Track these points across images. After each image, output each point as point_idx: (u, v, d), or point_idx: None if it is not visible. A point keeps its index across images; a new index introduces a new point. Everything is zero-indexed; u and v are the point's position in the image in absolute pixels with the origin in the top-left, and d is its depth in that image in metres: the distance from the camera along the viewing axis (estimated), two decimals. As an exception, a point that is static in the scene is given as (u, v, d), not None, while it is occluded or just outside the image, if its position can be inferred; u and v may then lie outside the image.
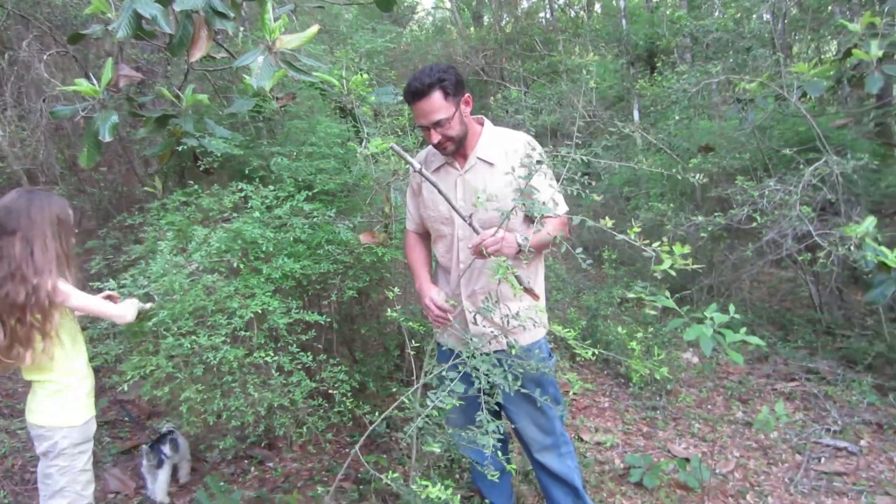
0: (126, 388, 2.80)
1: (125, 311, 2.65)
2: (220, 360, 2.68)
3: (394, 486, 2.10)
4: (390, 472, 2.21)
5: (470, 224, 2.34)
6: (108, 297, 2.81)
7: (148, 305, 2.85)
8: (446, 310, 2.52)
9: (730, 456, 3.72)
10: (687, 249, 1.92)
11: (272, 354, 2.78)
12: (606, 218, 2.04)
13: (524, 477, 3.44)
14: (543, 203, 2.41)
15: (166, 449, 3.47)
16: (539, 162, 2.26)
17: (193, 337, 2.71)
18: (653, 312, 2.66)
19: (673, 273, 1.95)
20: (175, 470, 3.62)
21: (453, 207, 2.35)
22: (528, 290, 2.42)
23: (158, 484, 3.45)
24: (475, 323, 2.54)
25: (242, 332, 2.80)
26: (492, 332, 2.50)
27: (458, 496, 1.95)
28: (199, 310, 2.84)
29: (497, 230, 2.26)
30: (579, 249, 2.21)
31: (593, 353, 2.26)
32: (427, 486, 1.92)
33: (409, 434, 2.29)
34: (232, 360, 2.69)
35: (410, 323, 2.79)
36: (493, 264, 2.23)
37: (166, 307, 2.81)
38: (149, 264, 2.98)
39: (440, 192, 2.33)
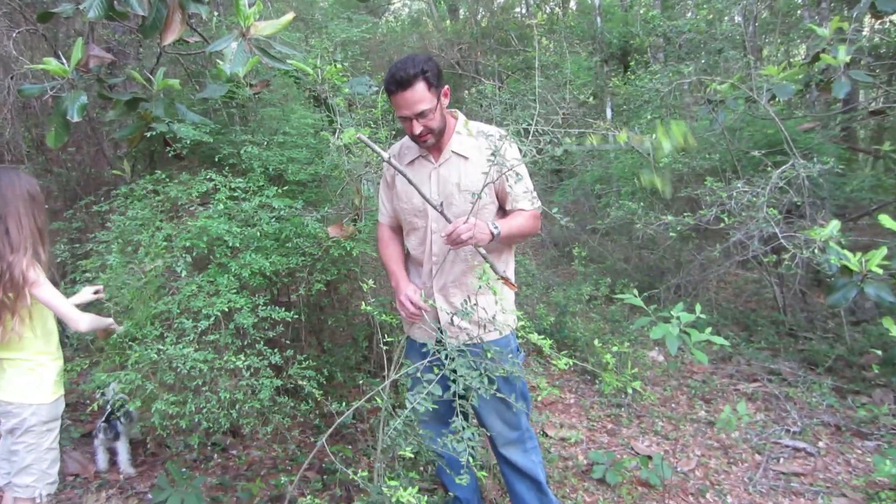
0: (97, 407, 2.79)
1: (81, 319, 2.60)
2: (192, 366, 2.65)
3: (361, 482, 2.10)
4: (360, 470, 2.22)
5: (441, 213, 2.34)
6: (96, 292, 2.83)
7: (120, 328, 2.82)
8: (421, 308, 2.52)
9: (691, 454, 3.78)
10: (684, 128, 1.87)
11: (242, 357, 2.74)
12: (591, 135, 2.02)
13: (488, 471, 3.45)
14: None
15: (121, 421, 3.54)
16: (503, 136, 2.27)
17: (159, 345, 2.67)
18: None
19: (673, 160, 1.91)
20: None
21: (423, 197, 2.35)
22: (504, 279, 2.44)
23: (122, 457, 3.55)
24: (451, 323, 2.55)
25: (211, 336, 2.76)
26: (463, 327, 2.51)
27: (425, 498, 1.95)
28: (164, 313, 2.80)
29: (469, 216, 2.27)
30: (555, 209, 2.22)
31: (566, 364, 2.27)
32: (397, 486, 1.92)
33: (384, 439, 2.28)
34: (201, 362, 2.66)
35: (383, 316, 2.78)
36: (477, 271, 2.24)
37: (129, 319, 2.79)
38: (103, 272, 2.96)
39: (409, 181, 2.33)
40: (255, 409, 2.89)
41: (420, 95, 2.39)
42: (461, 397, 2.18)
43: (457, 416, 2.12)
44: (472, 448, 2.10)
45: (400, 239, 2.82)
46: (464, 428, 2.10)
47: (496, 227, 2.40)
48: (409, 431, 2.31)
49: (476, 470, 2.35)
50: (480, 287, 2.45)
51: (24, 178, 2.56)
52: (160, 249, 2.88)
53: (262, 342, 2.84)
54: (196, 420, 2.74)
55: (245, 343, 2.85)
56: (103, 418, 3.54)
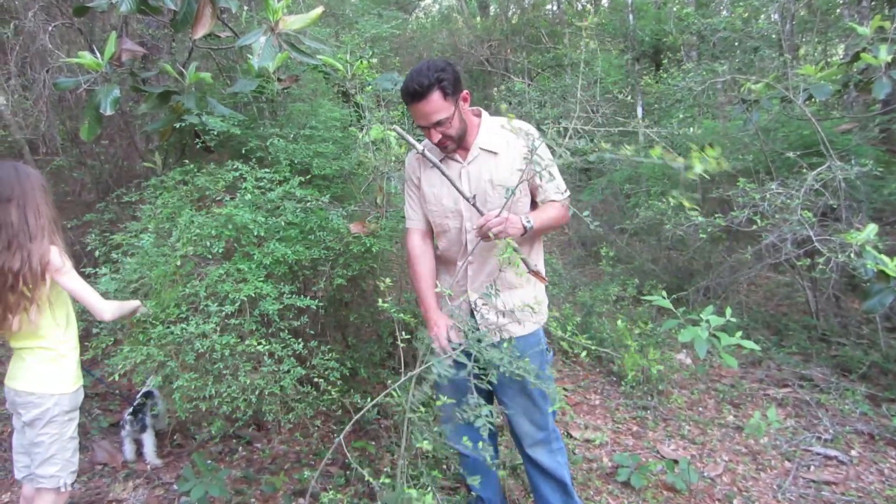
0: (117, 378, 2.80)
1: (106, 308, 2.62)
2: (211, 347, 2.66)
3: (377, 486, 2.09)
4: (383, 467, 2.21)
5: (474, 205, 2.33)
6: None
7: (145, 309, 2.83)
8: (445, 347, 2.48)
9: (719, 459, 3.71)
10: (718, 152, 1.85)
11: (264, 342, 2.76)
12: (626, 145, 1.99)
13: (511, 471, 3.43)
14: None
15: (148, 414, 3.59)
16: (539, 139, 2.26)
17: (183, 325, 2.69)
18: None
19: (706, 176, 1.89)
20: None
21: (458, 190, 2.35)
22: (535, 273, 2.42)
23: (148, 448, 3.59)
24: (477, 310, 2.54)
25: (233, 321, 2.78)
26: (494, 323, 2.51)
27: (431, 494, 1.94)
28: (191, 296, 2.82)
29: (501, 211, 2.26)
30: (586, 213, 2.20)
31: (587, 354, 2.25)
32: (413, 495, 1.91)
33: (398, 419, 2.28)
34: (222, 347, 2.67)
35: (402, 315, 2.75)
36: (500, 246, 2.24)
37: (152, 299, 2.81)
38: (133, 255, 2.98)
39: (443, 173, 2.35)
40: (277, 398, 2.90)
41: (435, 106, 2.38)
42: (478, 376, 2.17)
43: (472, 393, 2.11)
44: (491, 424, 2.08)
45: (430, 248, 2.73)
46: (481, 405, 2.09)
47: (529, 221, 2.38)
48: (427, 426, 2.30)
49: (497, 469, 2.34)
50: (506, 273, 2.43)
51: (32, 170, 2.60)
52: (193, 235, 2.90)
53: (286, 331, 2.85)
54: (216, 404, 2.75)
55: (269, 331, 2.86)
56: (130, 410, 3.58)
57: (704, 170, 1.86)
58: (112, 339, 3.04)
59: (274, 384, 2.79)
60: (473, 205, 2.33)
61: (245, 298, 2.77)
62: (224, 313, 2.73)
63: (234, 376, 2.77)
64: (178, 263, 2.90)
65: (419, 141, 2.53)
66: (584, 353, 2.25)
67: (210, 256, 2.91)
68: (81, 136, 3.51)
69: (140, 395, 3.67)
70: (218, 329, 2.72)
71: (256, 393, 2.79)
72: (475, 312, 2.57)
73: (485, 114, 2.62)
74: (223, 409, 2.77)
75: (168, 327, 2.71)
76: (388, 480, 2.16)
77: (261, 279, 2.86)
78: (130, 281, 2.93)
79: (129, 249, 3.09)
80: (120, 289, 2.92)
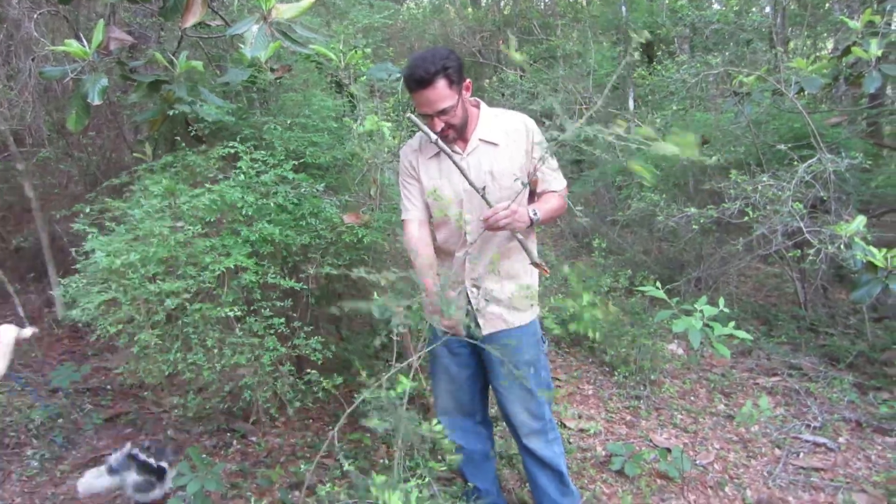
0: (79, 314, 2.65)
1: None
2: (180, 309, 2.58)
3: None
4: (378, 459, 2.21)
5: (483, 196, 2.33)
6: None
7: (27, 332, 2.73)
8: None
9: (710, 448, 3.74)
10: (693, 138, 1.82)
11: (236, 310, 2.69)
12: (618, 120, 1.97)
13: (507, 461, 3.44)
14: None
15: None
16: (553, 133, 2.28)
17: (159, 283, 2.60)
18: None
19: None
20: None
21: (466, 178, 2.35)
22: (538, 265, 2.43)
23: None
24: (478, 305, 2.54)
25: (213, 289, 2.71)
26: (496, 313, 2.52)
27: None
28: (171, 259, 2.75)
29: (510, 203, 2.26)
30: (579, 207, 2.22)
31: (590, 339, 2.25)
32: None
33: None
34: (194, 311, 2.59)
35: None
36: (501, 237, 2.25)
37: (137, 250, 2.70)
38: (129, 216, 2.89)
39: (453, 161, 2.36)
40: (256, 377, 2.85)
41: (441, 94, 2.35)
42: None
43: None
44: (485, 425, 2.05)
45: (429, 237, 2.67)
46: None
47: (535, 213, 2.39)
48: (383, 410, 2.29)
49: (493, 459, 2.35)
50: (510, 262, 2.45)
51: None
52: (191, 209, 2.85)
53: (267, 308, 2.80)
54: (180, 369, 2.67)
55: (251, 308, 2.81)
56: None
57: (691, 159, 1.85)
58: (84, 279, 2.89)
59: (248, 362, 2.73)
60: (483, 196, 2.33)
61: (225, 270, 2.70)
62: (201, 279, 2.66)
63: (202, 343, 2.70)
64: (174, 227, 2.80)
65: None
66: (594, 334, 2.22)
67: (205, 228, 2.85)
68: (68, 127, 3.45)
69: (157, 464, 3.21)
70: (195, 292, 2.64)
71: (223, 362, 2.72)
72: (472, 303, 2.57)
73: (483, 105, 2.60)
74: (186, 375, 2.70)
75: (144, 283, 2.61)
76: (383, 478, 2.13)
77: (243, 254, 2.81)
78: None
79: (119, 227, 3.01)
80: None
